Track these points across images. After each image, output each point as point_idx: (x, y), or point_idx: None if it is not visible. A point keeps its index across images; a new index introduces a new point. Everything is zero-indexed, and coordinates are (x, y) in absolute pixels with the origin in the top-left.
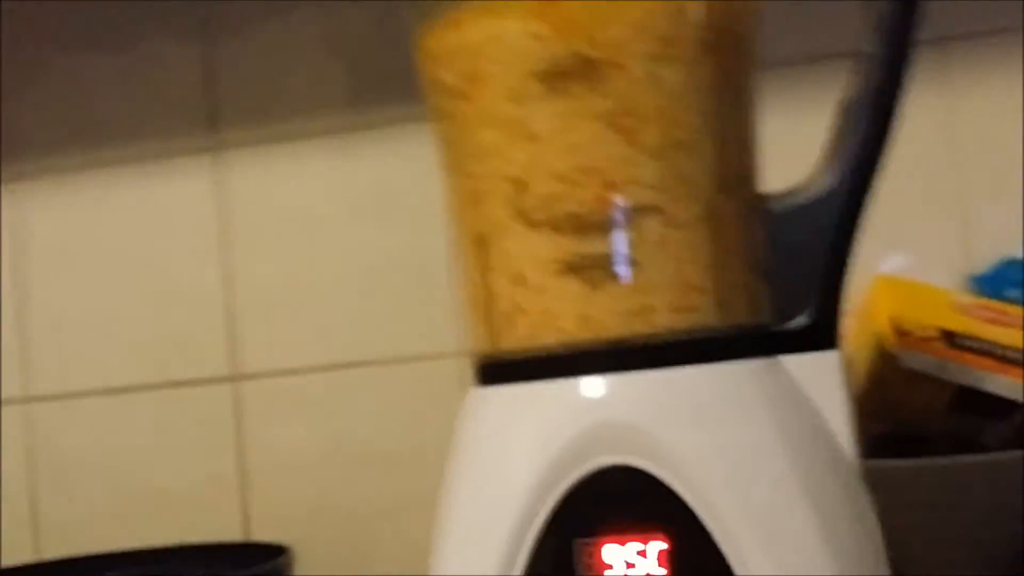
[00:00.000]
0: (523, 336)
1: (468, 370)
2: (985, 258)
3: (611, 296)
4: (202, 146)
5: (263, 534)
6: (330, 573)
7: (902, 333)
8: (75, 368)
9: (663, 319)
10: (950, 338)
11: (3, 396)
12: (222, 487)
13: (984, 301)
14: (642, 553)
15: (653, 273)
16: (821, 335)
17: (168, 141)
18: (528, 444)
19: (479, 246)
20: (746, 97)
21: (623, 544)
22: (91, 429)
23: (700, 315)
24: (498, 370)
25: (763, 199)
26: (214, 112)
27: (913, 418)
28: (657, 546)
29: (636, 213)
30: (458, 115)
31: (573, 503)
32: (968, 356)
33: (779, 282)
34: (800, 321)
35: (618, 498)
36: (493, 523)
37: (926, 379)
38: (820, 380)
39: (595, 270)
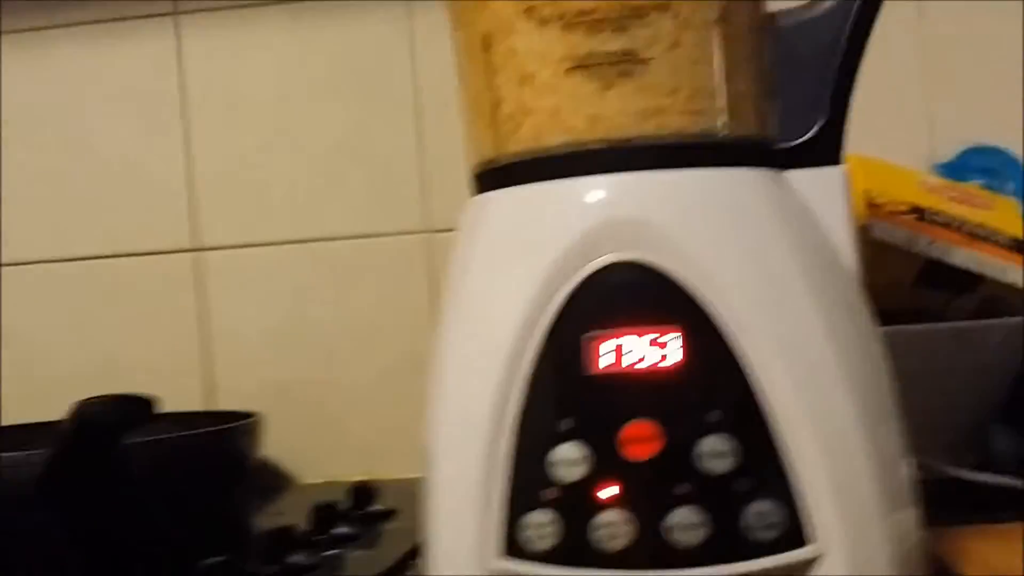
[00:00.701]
0: (529, 138)
1: (433, 248)
2: (950, 150)
3: (622, 96)
4: (162, 11)
5: (225, 407)
6: (292, 447)
7: (874, 206)
8: (36, 237)
9: (673, 121)
10: (920, 213)
11: None
12: (184, 360)
13: (951, 183)
14: (654, 343)
15: (665, 74)
16: (825, 151)
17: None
18: (538, 242)
19: (484, 47)
20: None
21: (629, 335)
22: (53, 299)
23: (710, 120)
24: (503, 173)
25: (772, 15)
26: None
27: (881, 292)
28: (665, 336)
29: (649, 10)
30: None
31: (581, 298)
32: (936, 230)
33: (785, 98)
34: (806, 137)
35: (626, 292)
36: (501, 318)
37: (895, 252)
38: (824, 194)
39: (606, 68)
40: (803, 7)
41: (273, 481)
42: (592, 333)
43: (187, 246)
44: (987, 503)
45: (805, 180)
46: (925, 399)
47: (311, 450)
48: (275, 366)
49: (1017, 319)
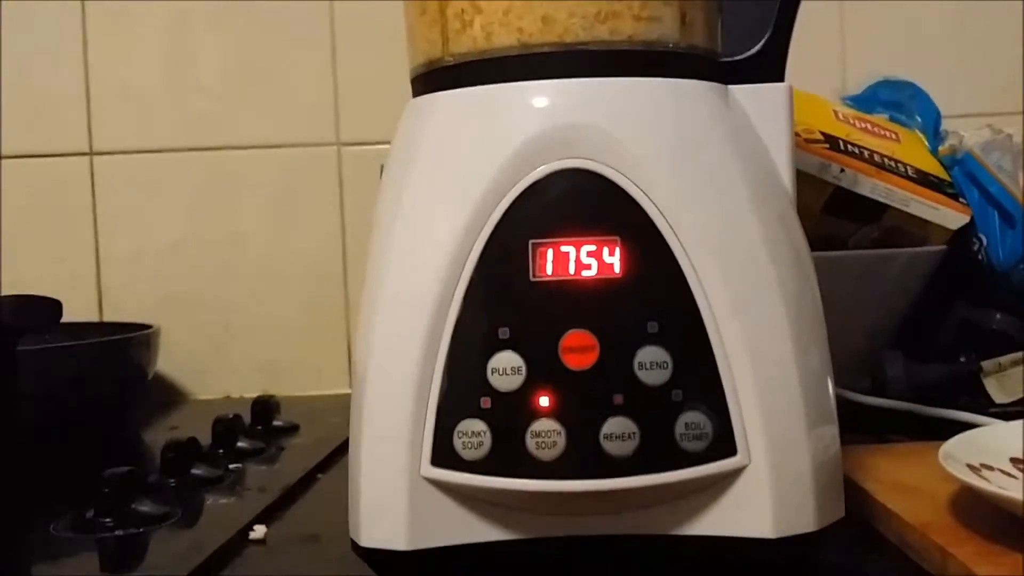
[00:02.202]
0: (478, 38)
1: (340, 160)
2: (861, 81)
3: None
4: None
5: (120, 318)
6: (189, 362)
7: None
8: None
9: (626, 26)
10: (832, 141)
11: None
12: (76, 270)
13: (859, 114)
14: (594, 254)
15: None
16: (770, 67)
17: None
18: (483, 146)
19: None
20: None
21: (575, 243)
22: None
23: (661, 27)
24: (450, 74)
25: None
26: None
27: None
28: (609, 246)
29: None
30: None
31: (526, 204)
32: (847, 159)
33: (732, 12)
34: (751, 51)
35: (571, 200)
36: (444, 221)
37: (807, 179)
38: (766, 110)
39: None
40: None
41: (169, 395)
42: (534, 241)
43: (83, 149)
44: (879, 424)
45: (749, 95)
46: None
47: (209, 365)
48: (173, 278)
49: (915, 250)
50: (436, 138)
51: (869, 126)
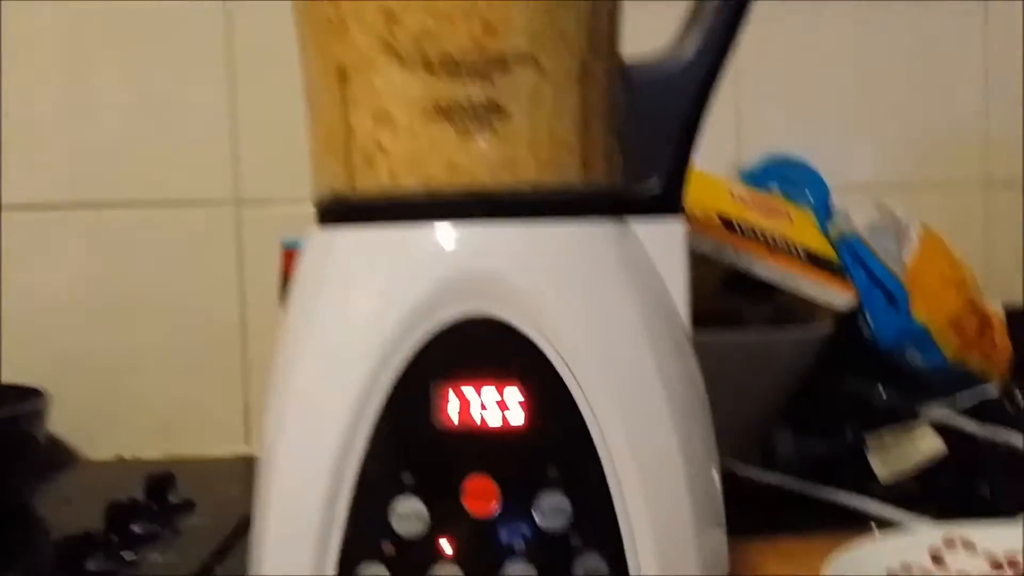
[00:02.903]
0: (383, 178)
1: (239, 219)
2: (755, 155)
3: (481, 145)
4: None
5: (11, 378)
6: (78, 420)
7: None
8: None
9: (530, 172)
10: (728, 224)
11: None
12: None
13: (754, 193)
14: (500, 403)
15: (524, 125)
16: (668, 202)
17: None
18: (387, 289)
19: (340, 79)
20: None
21: (478, 390)
22: None
23: (565, 171)
24: (354, 210)
25: (625, 68)
26: None
27: None
28: (512, 393)
29: (512, 61)
30: None
31: (431, 350)
32: (743, 241)
33: (632, 146)
34: (650, 187)
35: (475, 346)
36: (347, 366)
37: (703, 260)
38: (664, 245)
39: (467, 116)
40: (653, 63)
41: (57, 457)
42: (438, 387)
43: None
44: (770, 504)
45: (648, 230)
46: (717, 402)
47: (99, 424)
48: (64, 333)
49: (803, 329)
50: (342, 276)
51: (764, 205)
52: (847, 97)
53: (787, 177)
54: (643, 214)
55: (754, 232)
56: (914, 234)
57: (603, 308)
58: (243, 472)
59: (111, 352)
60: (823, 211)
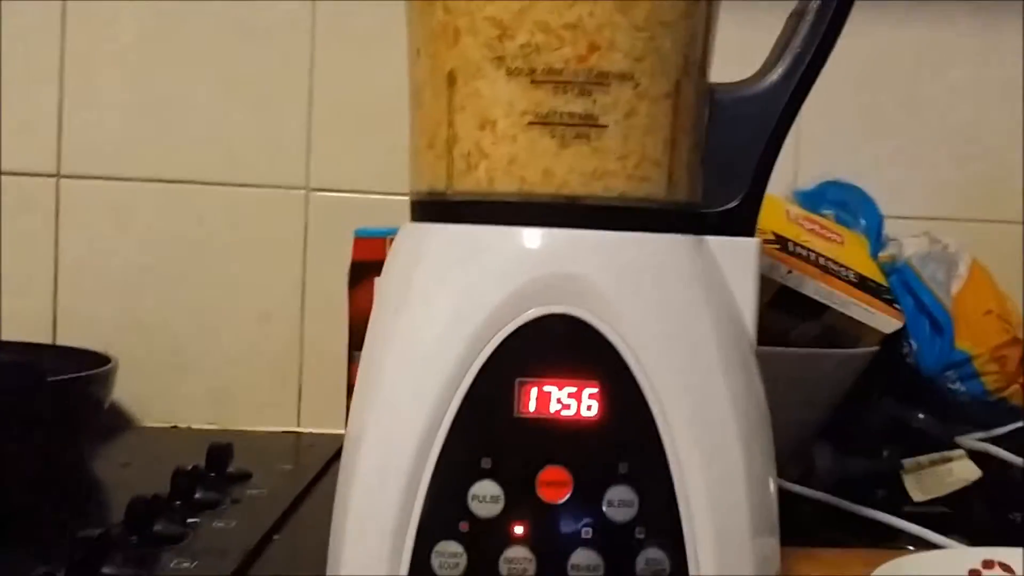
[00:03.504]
0: (482, 180)
1: (308, 205)
2: (812, 178)
3: (576, 155)
4: None
5: (72, 340)
6: (137, 388)
7: None
8: None
9: (619, 184)
10: (783, 243)
11: None
12: (35, 286)
13: (808, 214)
14: (574, 396)
15: (618, 140)
16: (744, 222)
17: None
18: (477, 284)
19: (449, 84)
20: None
21: (557, 384)
22: None
23: (651, 185)
24: (451, 208)
25: (712, 88)
26: None
27: None
28: (588, 389)
29: (613, 79)
30: None
31: (514, 343)
32: (795, 261)
33: (713, 166)
34: (729, 207)
35: (556, 343)
36: (435, 355)
37: None
38: (737, 263)
39: (565, 127)
40: (737, 84)
41: (116, 421)
42: (520, 379)
43: (51, 171)
44: (806, 518)
45: (723, 247)
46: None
47: (156, 392)
48: (127, 305)
49: (849, 351)
50: (435, 269)
51: (817, 227)
52: (906, 129)
53: (842, 202)
54: (720, 232)
55: (807, 252)
56: (963, 266)
57: (677, 316)
58: (294, 448)
59: (172, 323)
60: (875, 237)
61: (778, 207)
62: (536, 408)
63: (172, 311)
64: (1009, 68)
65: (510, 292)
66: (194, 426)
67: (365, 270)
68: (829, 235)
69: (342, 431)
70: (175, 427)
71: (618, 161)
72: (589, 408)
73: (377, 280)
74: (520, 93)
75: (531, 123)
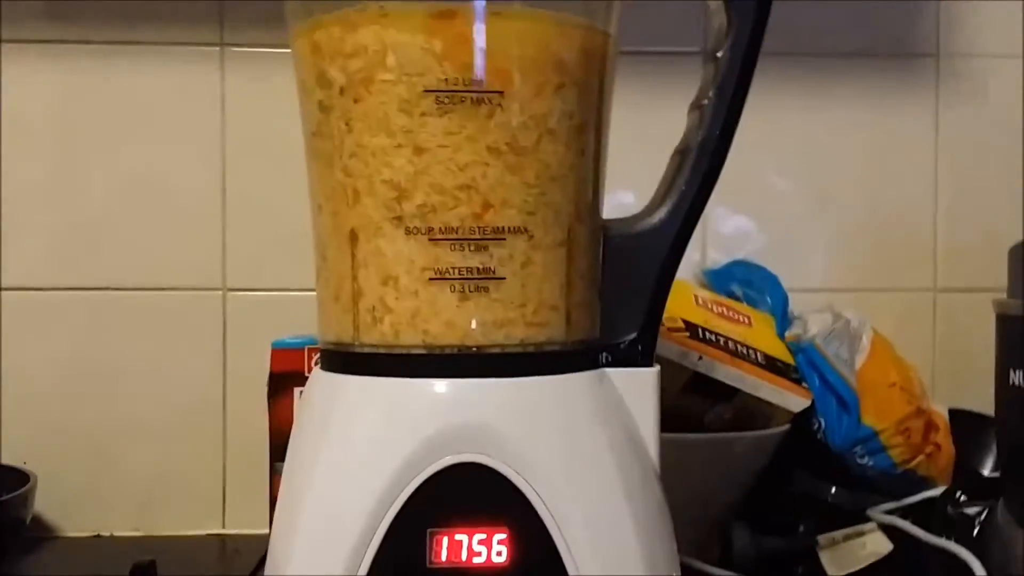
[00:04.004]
0: (387, 333)
1: (223, 306)
2: (718, 256)
3: (476, 307)
4: None
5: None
6: (59, 498)
7: None
8: None
9: (519, 331)
10: (692, 329)
11: None
12: None
13: (716, 296)
14: (484, 543)
15: (515, 290)
16: (643, 352)
17: None
18: (388, 437)
19: (351, 241)
20: (604, 135)
21: (467, 532)
22: None
23: (551, 329)
24: (358, 361)
25: (605, 227)
26: None
27: None
28: (499, 536)
29: (508, 234)
30: (343, 113)
31: (425, 493)
32: (705, 347)
33: (609, 302)
34: (626, 339)
35: (467, 492)
36: (348, 509)
37: (668, 364)
38: (638, 392)
39: (464, 281)
40: (627, 220)
41: (38, 531)
42: (431, 529)
43: None
44: None
45: (623, 378)
46: (677, 498)
47: (79, 502)
48: (47, 413)
49: (761, 432)
50: (346, 422)
51: (725, 310)
52: (805, 203)
53: (748, 280)
54: (619, 363)
55: (716, 337)
56: (866, 340)
57: (580, 452)
58: (220, 552)
59: (93, 430)
60: (781, 315)
61: (686, 292)
62: (447, 558)
63: (92, 418)
64: (912, 130)
65: (418, 443)
66: (117, 533)
67: (284, 381)
68: (737, 317)
69: (266, 531)
70: (98, 536)
71: (517, 309)
72: (499, 554)
73: (296, 413)
74: (419, 251)
75: (431, 279)
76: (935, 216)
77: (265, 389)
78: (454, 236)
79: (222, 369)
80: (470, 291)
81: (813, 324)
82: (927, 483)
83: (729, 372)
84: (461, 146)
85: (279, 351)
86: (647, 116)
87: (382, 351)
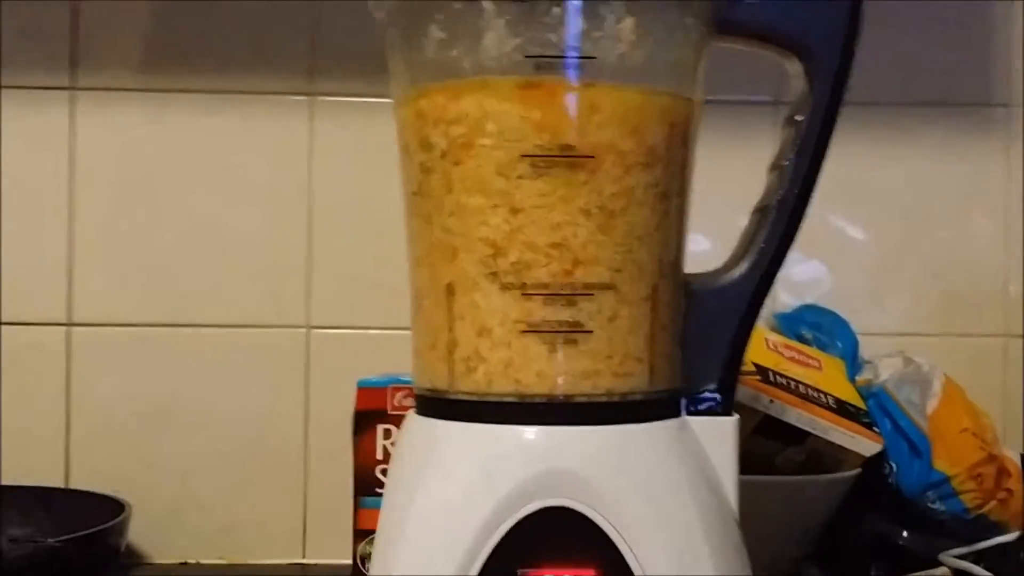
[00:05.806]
0: (481, 381)
1: (307, 343)
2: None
3: (565, 358)
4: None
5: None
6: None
7: None
8: None
9: (605, 381)
10: (764, 373)
11: None
12: (47, 435)
13: (787, 340)
14: None
15: (603, 342)
16: (722, 402)
17: None
18: (482, 481)
19: (448, 294)
20: (686, 197)
21: (559, 574)
22: None
23: (635, 379)
24: (454, 408)
25: (687, 281)
26: None
27: None
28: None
29: (596, 289)
30: (444, 175)
31: (516, 536)
32: (775, 391)
33: (691, 353)
34: (706, 389)
35: (556, 534)
36: (444, 547)
37: (739, 407)
38: (718, 439)
39: (555, 334)
40: (710, 275)
41: (127, 559)
42: (522, 570)
43: (61, 320)
44: None
45: (703, 427)
46: (750, 540)
47: (167, 531)
48: (136, 445)
49: (833, 476)
50: (442, 466)
51: (796, 354)
52: (876, 249)
53: (818, 324)
54: (699, 414)
55: (788, 381)
56: (937, 385)
57: (663, 498)
58: None
59: (180, 462)
60: (851, 360)
61: (758, 337)
62: None
63: (179, 450)
64: (984, 178)
65: (511, 488)
66: (203, 561)
67: (368, 419)
68: (808, 361)
69: (346, 561)
70: (184, 563)
71: (604, 361)
72: None
73: (393, 456)
74: (513, 304)
75: (524, 331)
76: (1007, 264)
77: (345, 424)
78: (546, 291)
79: (304, 404)
80: (560, 343)
81: (884, 369)
82: (999, 528)
83: (800, 416)
84: (554, 207)
85: (364, 390)
86: (716, 164)
87: (476, 399)
